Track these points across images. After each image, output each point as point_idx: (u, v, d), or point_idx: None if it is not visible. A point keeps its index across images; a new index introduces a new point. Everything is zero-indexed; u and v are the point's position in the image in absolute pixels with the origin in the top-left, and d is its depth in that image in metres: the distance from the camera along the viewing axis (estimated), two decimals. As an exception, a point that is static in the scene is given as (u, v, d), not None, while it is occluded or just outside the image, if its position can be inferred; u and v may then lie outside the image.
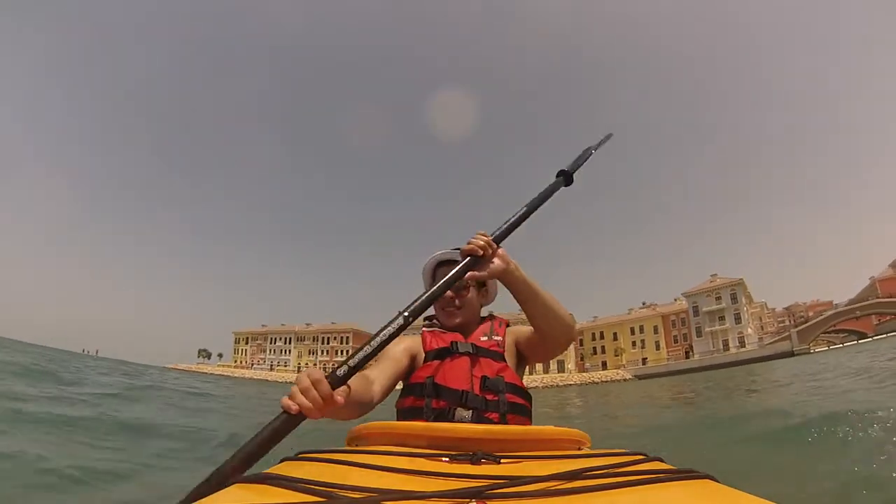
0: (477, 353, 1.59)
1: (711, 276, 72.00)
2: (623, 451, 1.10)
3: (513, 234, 1.51)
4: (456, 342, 1.61)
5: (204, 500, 0.73)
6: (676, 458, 1.19)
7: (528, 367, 1.76)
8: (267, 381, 68.91)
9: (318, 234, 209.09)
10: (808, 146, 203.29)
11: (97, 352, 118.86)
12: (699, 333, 68.92)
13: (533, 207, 1.56)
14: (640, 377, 57.84)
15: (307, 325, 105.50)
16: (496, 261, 1.42)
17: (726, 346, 64.02)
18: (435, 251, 1.89)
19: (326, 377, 1.05)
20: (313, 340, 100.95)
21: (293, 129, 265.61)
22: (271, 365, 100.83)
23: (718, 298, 68.00)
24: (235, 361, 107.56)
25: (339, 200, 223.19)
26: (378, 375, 1.51)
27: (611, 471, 0.81)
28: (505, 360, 1.62)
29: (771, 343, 58.12)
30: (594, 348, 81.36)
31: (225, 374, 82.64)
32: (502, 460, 0.98)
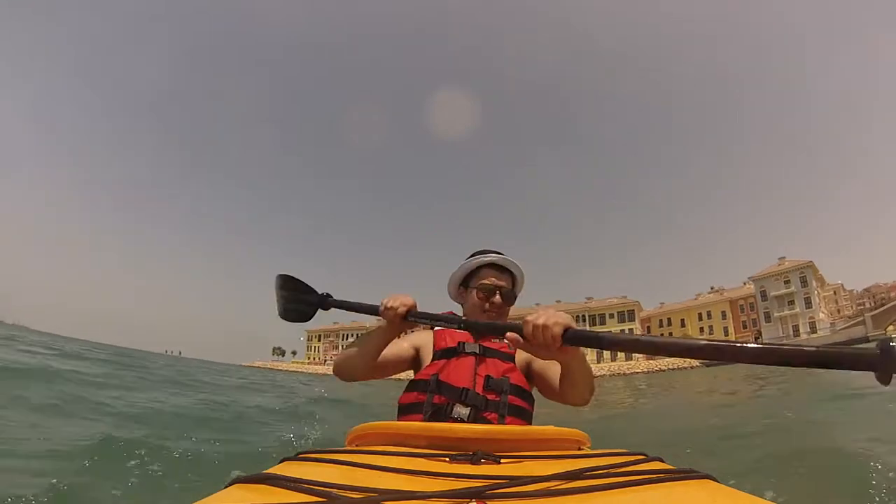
0: (484, 353, 1.61)
1: (780, 258, 70.32)
2: (623, 451, 1.12)
3: None
4: (463, 342, 1.64)
5: (204, 500, 0.73)
6: (676, 458, 1.15)
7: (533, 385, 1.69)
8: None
9: (389, 231, 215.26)
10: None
11: (180, 353, 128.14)
12: (768, 319, 67.66)
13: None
14: (707, 364, 58.11)
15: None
16: (557, 355, 1.22)
17: (797, 332, 62.83)
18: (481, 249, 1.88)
19: (408, 309, 1.54)
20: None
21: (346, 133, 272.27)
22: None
23: (787, 282, 66.44)
24: (308, 358, 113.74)
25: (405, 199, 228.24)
26: (387, 352, 1.69)
27: (611, 471, 0.82)
28: (514, 362, 1.63)
29: (844, 328, 56.77)
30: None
31: (301, 370, 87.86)
32: (502, 460, 0.98)
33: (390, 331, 1.61)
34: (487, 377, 1.53)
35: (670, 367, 61.52)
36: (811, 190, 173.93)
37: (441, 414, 1.46)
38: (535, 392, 1.65)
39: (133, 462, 3.92)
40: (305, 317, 1.90)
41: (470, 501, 0.69)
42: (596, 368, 64.49)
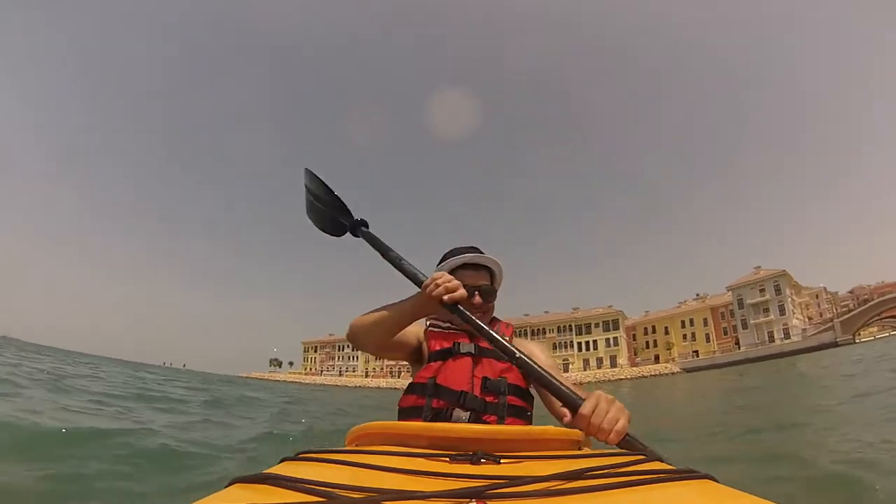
0: (480, 353, 1.58)
1: (755, 268, 72.93)
2: (623, 451, 1.11)
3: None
4: (458, 343, 1.61)
5: (204, 499, 0.72)
6: (676, 458, 1.14)
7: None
8: (385, 387, 73.28)
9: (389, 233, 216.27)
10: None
11: (184, 366, 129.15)
12: (745, 326, 70.24)
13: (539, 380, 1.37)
14: (687, 370, 61.25)
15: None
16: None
17: (771, 338, 65.47)
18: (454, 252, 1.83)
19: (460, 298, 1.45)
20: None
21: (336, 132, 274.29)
22: (340, 371, 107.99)
23: (762, 290, 69.15)
24: (305, 369, 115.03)
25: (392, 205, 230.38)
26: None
27: (611, 471, 0.81)
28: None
29: (815, 334, 59.58)
30: (646, 342, 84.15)
31: (297, 380, 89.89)
32: (502, 460, 0.98)
33: (421, 311, 1.55)
34: (485, 379, 1.50)
35: (653, 373, 64.26)
36: (804, 192, 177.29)
37: (440, 418, 1.44)
38: (532, 390, 1.62)
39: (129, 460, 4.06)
40: (334, 229, 2.01)
41: (470, 501, 0.69)
42: (582, 375, 67.52)
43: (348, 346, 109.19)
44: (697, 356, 72.80)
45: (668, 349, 78.79)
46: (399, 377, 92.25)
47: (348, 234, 1.98)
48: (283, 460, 1.04)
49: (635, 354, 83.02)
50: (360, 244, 1.92)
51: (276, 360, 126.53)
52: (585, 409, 1.20)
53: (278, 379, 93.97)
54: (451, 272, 1.75)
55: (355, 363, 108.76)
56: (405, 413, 1.54)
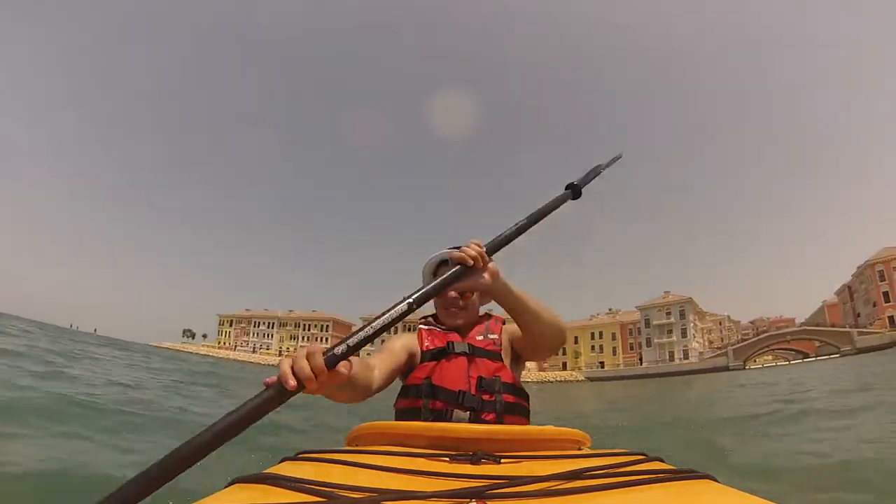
0: (474, 353, 1.57)
1: (665, 292, 77.56)
2: (623, 451, 1.11)
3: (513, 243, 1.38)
4: (452, 342, 1.60)
5: (204, 500, 0.72)
6: (676, 458, 1.27)
7: (521, 364, 1.76)
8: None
9: (312, 225, 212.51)
10: (804, 155, 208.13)
11: (95, 330, 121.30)
12: (649, 343, 74.76)
13: (534, 220, 1.43)
14: (591, 379, 63.86)
15: (290, 311, 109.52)
16: (485, 275, 1.32)
17: (672, 358, 69.91)
18: (435, 250, 1.85)
19: (324, 353, 0.93)
20: (295, 326, 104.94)
21: (289, 126, 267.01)
22: (254, 348, 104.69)
23: (668, 314, 73.80)
24: (219, 343, 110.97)
25: (332, 195, 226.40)
26: (378, 364, 1.49)
27: (611, 471, 0.81)
28: (502, 360, 1.60)
29: (710, 358, 64.11)
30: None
31: (210, 353, 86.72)
32: (502, 460, 0.98)
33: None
34: (480, 378, 1.50)
35: (559, 380, 66.46)
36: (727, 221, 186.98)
37: (441, 419, 1.42)
38: (529, 391, 1.63)
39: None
40: None
41: (470, 501, 0.69)
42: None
43: (264, 323, 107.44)
44: (603, 367, 76.32)
45: (576, 358, 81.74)
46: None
47: None
48: (283, 460, 1.03)
49: (544, 360, 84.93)
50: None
51: (189, 331, 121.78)
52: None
53: (191, 351, 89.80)
54: (434, 272, 1.82)
55: (270, 341, 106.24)
56: (403, 415, 1.53)
